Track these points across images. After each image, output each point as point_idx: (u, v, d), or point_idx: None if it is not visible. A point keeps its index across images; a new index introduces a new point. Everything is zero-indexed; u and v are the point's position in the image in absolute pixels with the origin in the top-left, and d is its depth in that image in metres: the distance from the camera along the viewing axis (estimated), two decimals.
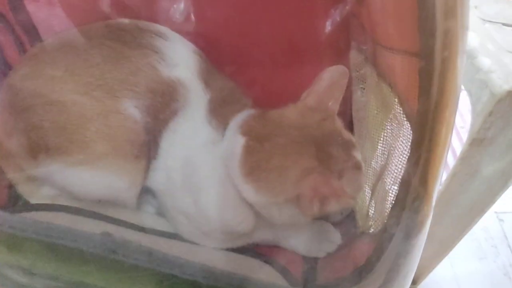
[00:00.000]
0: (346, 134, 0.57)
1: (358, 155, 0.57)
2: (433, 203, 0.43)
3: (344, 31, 0.59)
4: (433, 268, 1.34)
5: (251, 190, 0.55)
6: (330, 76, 0.57)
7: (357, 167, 0.54)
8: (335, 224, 0.68)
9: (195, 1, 0.64)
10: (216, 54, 0.65)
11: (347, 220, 0.68)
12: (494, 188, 1.07)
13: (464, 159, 1.05)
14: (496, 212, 1.61)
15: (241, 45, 0.64)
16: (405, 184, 0.45)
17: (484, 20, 1.08)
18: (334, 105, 0.58)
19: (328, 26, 0.57)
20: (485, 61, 0.96)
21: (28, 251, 0.42)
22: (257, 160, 0.54)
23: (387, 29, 0.47)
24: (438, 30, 0.37)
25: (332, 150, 0.53)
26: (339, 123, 0.57)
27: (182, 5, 0.63)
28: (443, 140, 0.38)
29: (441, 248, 1.29)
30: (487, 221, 1.58)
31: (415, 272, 1.43)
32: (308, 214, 0.54)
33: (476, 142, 0.99)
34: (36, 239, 0.37)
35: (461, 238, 1.23)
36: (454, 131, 1.54)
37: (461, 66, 0.38)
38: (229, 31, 0.64)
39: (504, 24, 1.09)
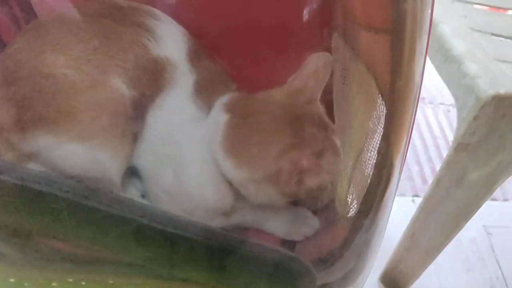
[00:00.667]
0: (327, 119, 0.59)
1: (337, 141, 0.58)
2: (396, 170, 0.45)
3: (326, 15, 0.61)
4: (419, 276, 1.34)
5: (231, 166, 0.56)
6: (316, 62, 0.59)
7: (336, 151, 0.56)
8: (315, 212, 0.69)
9: None
10: (202, 38, 0.67)
11: (327, 208, 0.69)
12: (479, 194, 1.09)
13: (450, 163, 1.06)
14: (484, 226, 1.63)
15: (226, 30, 0.66)
16: (379, 163, 0.47)
17: (473, 29, 1.11)
18: (317, 90, 0.60)
19: (312, 10, 0.60)
20: (471, 67, 0.99)
21: None
22: (238, 135, 0.56)
23: (364, 7, 0.49)
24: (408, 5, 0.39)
25: (313, 130, 0.55)
26: (320, 108, 0.59)
27: None
28: (409, 106, 0.40)
29: (426, 255, 1.29)
30: (475, 233, 1.60)
31: (401, 280, 1.44)
32: (287, 191, 0.55)
33: (462, 147, 1.01)
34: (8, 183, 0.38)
35: (446, 245, 1.24)
36: (445, 145, 1.56)
37: (424, 43, 0.40)
38: (215, 14, 0.66)
39: (492, 34, 1.12)
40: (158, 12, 0.64)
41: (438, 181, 1.09)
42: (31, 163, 0.65)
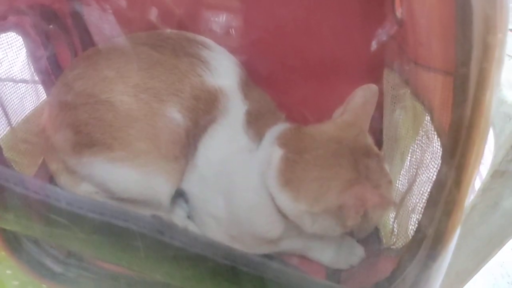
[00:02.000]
0: (376, 148, 0.60)
1: (387, 169, 0.59)
2: (463, 214, 0.45)
3: (379, 53, 0.62)
4: None
5: (287, 199, 0.57)
6: (364, 95, 0.60)
7: (389, 180, 0.57)
8: (359, 241, 0.70)
9: (237, 16, 0.68)
10: (252, 69, 0.69)
11: (371, 237, 0.69)
12: None
13: (485, 190, 1.05)
14: None
15: (279, 62, 0.68)
16: (436, 193, 0.47)
17: (509, 56, 1.11)
18: (366, 122, 0.61)
19: (366, 48, 0.61)
20: (509, 94, 0.98)
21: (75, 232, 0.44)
22: (296, 171, 0.57)
23: (426, 49, 0.50)
24: (474, 46, 0.40)
25: (368, 162, 0.56)
26: (370, 139, 0.60)
27: (224, 20, 0.68)
28: (477, 147, 0.40)
29: (457, 280, 1.28)
30: (504, 257, 1.57)
31: None
32: (349, 224, 0.56)
33: (498, 174, 1.00)
34: (88, 218, 0.40)
35: (478, 271, 1.22)
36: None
37: (497, 79, 0.41)
38: (267, 47, 0.68)
39: None
40: (211, 42, 0.66)
41: (472, 207, 1.08)
42: (84, 184, 0.67)
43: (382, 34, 0.59)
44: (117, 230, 0.41)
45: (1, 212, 0.44)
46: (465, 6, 0.40)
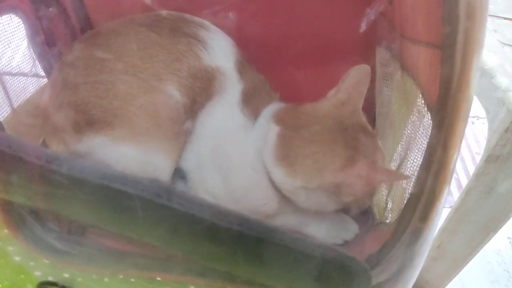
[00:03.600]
0: (370, 127, 0.62)
1: (381, 145, 0.61)
2: (451, 175, 0.47)
3: (371, 31, 0.64)
4: (445, 286, 1.34)
5: (283, 174, 0.59)
6: (357, 74, 0.62)
7: (383, 156, 0.59)
8: (353, 217, 0.71)
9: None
10: (247, 49, 0.70)
11: (365, 213, 0.71)
12: (508, 205, 1.09)
13: (479, 175, 1.07)
14: (509, 237, 1.62)
15: (272, 42, 0.69)
16: (426, 161, 0.49)
17: (503, 43, 1.12)
18: (359, 101, 0.62)
19: (358, 27, 0.62)
20: (503, 81, 1.00)
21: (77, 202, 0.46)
22: (292, 146, 0.59)
23: (415, 23, 0.52)
24: (460, 25, 0.42)
25: (363, 139, 0.57)
26: (364, 117, 0.62)
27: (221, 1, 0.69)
28: (462, 117, 0.42)
29: (453, 265, 1.29)
30: (500, 245, 1.59)
31: None
32: (346, 201, 0.58)
33: (492, 159, 1.01)
34: (88, 182, 0.41)
35: (473, 256, 1.24)
36: (470, 157, 1.56)
37: (478, 57, 0.43)
38: (261, 27, 0.69)
39: None
40: (209, 24, 0.67)
41: (467, 192, 1.09)
42: None
43: (373, 12, 0.60)
44: (115, 193, 0.42)
45: (5, 177, 0.45)
46: None
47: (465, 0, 0.41)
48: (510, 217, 1.12)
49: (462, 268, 1.27)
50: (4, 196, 0.50)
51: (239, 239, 0.42)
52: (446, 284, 1.33)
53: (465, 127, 0.42)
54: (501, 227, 1.13)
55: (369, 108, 0.65)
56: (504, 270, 1.52)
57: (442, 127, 0.45)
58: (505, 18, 1.24)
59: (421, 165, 0.50)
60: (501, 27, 1.20)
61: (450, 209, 1.20)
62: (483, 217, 1.12)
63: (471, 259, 1.24)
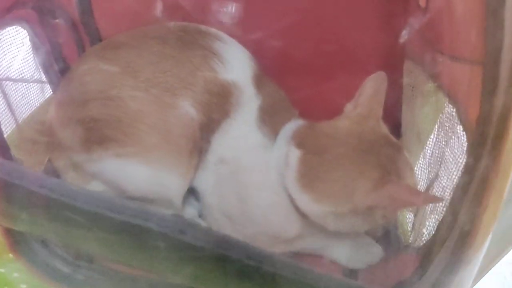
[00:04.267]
0: (394, 138, 0.59)
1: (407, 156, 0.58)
2: (495, 217, 0.44)
3: (400, 44, 0.60)
4: None
5: (309, 200, 0.56)
6: (374, 84, 0.58)
7: (411, 168, 0.55)
8: (376, 239, 0.68)
9: (247, 7, 0.66)
10: (265, 62, 0.67)
11: (390, 235, 0.67)
12: None
13: None
14: None
15: (293, 56, 0.66)
16: (460, 191, 0.45)
17: None
18: (380, 111, 0.59)
19: (385, 40, 0.59)
20: None
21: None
22: (317, 172, 0.55)
23: (453, 38, 0.49)
24: (505, 40, 0.39)
25: (389, 152, 0.54)
26: (386, 128, 0.58)
27: (233, 10, 0.66)
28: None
29: None
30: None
31: None
32: (381, 222, 0.55)
33: None
34: (106, 217, 0.38)
35: (490, 269, 1.20)
36: None
37: None
38: (283, 41, 0.66)
39: None
40: (225, 35, 0.64)
41: None
42: (94, 182, 0.65)
43: (403, 25, 0.57)
44: (137, 229, 0.39)
45: (15, 211, 0.42)
46: None
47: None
48: None
49: (478, 282, 1.23)
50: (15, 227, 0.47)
51: (266, 277, 0.39)
52: None
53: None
54: None
55: (392, 116, 0.61)
56: None
57: (484, 146, 0.42)
58: None
59: (457, 187, 0.47)
60: None
61: None
62: (500, 229, 1.09)
63: (487, 271, 1.21)
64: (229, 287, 0.40)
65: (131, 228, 0.39)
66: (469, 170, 0.46)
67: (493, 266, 1.19)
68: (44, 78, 0.68)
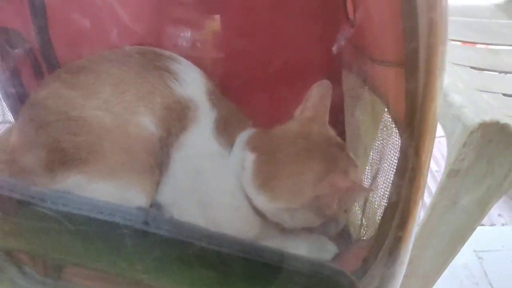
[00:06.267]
0: (339, 139, 0.65)
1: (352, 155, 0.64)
2: (425, 184, 0.49)
3: (337, 56, 0.67)
4: None
5: (265, 199, 0.61)
6: (319, 90, 0.65)
7: (355, 165, 0.61)
8: (330, 238, 0.73)
9: (198, 30, 0.72)
10: (217, 79, 0.72)
11: (342, 233, 0.73)
12: (472, 217, 1.13)
13: (442, 190, 1.11)
14: (475, 251, 1.67)
15: (240, 71, 0.71)
16: (399, 176, 0.51)
17: (454, 63, 1.20)
18: (325, 115, 0.65)
19: (324, 53, 0.66)
20: (456, 98, 1.06)
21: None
22: (270, 171, 0.61)
23: (376, 44, 0.56)
24: (421, 41, 0.45)
25: (334, 151, 0.60)
26: (332, 131, 0.65)
27: (188, 34, 0.71)
28: (431, 125, 0.45)
29: (425, 281, 1.31)
30: (467, 259, 1.64)
31: None
32: (327, 213, 0.60)
33: (453, 173, 1.06)
34: (75, 215, 0.40)
35: (444, 269, 1.27)
36: (430, 174, 1.62)
37: (442, 70, 0.46)
38: (231, 58, 0.72)
39: (471, 67, 1.21)
40: (178, 57, 0.69)
41: (432, 207, 1.13)
42: None
43: (338, 38, 0.64)
44: (104, 225, 0.42)
45: None
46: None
47: (426, 16, 0.44)
48: (474, 229, 1.16)
49: (434, 283, 1.29)
50: None
51: (230, 261, 0.43)
52: None
53: (434, 136, 0.45)
54: (467, 239, 1.17)
55: (338, 123, 0.68)
56: (473, 283, 1.56)
57: (412, 138, 0.48)
58: (454, 40, 1.33)
59: (395, 176, 0.53)
60: (452, 49, 1.28)
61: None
62: (449, 231, 1.16)
63: (442, 273, 1.27)
64: (193, 272, 0.43)
65: (99, 224, 0.42)
66: (403, 160, 0.52)
67: (446, 267, 1.26)
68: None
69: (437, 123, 0.46)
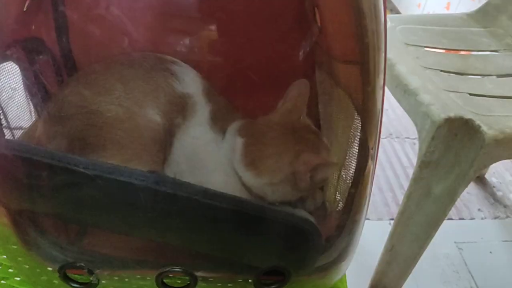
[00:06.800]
0: (314, 127, 0.78)
1: (326, 141, 0.77)
2: (375, 151, 0.62)
3: (310, 56, 0.81)
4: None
5: (251, 176, 0.73)
6: (298, 87, 0.78)
7: (327, 148, 0.74)
8: (310, 212, 0.85)
9: (196, 42, 0.85)
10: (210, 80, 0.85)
11: (319, 208, 0.85)
12: (444, 204, 1.24)
13: (417, 180, 1.23)
14: (456, 242, 1.78)
15: (230, 74, 0.84)
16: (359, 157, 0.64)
17: (425, 67, 1.33)
18: (303, 108, 0.78)
19: (300, 55, 0.79)
20: (426, 97, 1.19)
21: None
22: (255, 152, 0.74)
23: (338, 46, 0.69)
24: (370, 44, 0.58)
25: (309, 137, 0.73)
26: (309, 121, 0.77)
27: (187, 42, 0.84)
28: (376, 109, 0.58)
29: (405, 266, 1.42)
30: (448, 249, 1.75)
31: None
32: (302, 187, 0.72)
33: (425, 164, 1.18)
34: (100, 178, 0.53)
35: (421, 254, 1.38)
36: (402, 170, 1.75)
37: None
38: (222, 62, 0.85)
39: (441, 71, 1.34)
40: (178, 60, 0.82)
41: (408, 197, 1.25)
42: None
43: (311, 42, 0.77)
44: (123, 184, 0.54)
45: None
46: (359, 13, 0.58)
47: (371, 27, 0.57)
48: (446, 215, 1.28)
49: (414, 267, 1.40)
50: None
51: (220, 212, 0.55)
52: (402, 285, 1.46)
53: (378, 118, 0.58)
54: (441, 224, 1.29)
55: (314, 119, 0.80)
56: (454, 271, 1.67)
57: (365, 122, 0.61)
58: (425, 47, 1.46)
59: (358, 153, 0.66)
60: (423, 54, 1.41)
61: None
62: (424, 218, 1.27)
63: (420, 257, 1.38)
64: (192, 222, 0.56)
65: (119, 184, 0.54)
66: (363, 144, 0.65)
67: (424, 251, 1.37)
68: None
69: (380, 110, 0.59)
